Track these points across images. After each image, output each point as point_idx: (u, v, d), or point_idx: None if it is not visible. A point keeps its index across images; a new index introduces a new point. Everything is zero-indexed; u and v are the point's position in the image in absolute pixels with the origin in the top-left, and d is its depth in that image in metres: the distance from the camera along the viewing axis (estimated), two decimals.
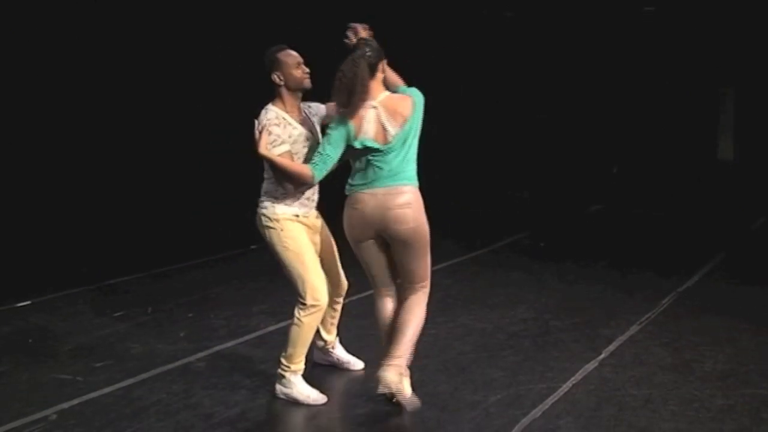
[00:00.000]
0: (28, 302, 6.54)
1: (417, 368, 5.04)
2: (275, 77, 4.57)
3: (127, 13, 9.79)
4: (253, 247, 8.76)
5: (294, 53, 4.61)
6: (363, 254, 4.55)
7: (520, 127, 13.17)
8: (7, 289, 6.84)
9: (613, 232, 10.03)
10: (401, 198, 4.41)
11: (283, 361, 4.65)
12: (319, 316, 4.63)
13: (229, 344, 5.61)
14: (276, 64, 4.56)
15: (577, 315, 6.27)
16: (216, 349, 5.50)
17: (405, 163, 4.43)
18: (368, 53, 4.35)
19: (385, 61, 4.45)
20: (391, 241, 4.49)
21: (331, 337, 5.10)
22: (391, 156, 4.39)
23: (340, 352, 5.16)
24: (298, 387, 4.65)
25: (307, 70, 4.60)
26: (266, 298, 6.74)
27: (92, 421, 4.35)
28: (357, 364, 5.13)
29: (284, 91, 4.59)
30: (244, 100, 9.88)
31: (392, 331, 4.56)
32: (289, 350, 4.63)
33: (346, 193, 4.49)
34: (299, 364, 4.66)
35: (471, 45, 12.55)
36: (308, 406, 4.59)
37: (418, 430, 4.36)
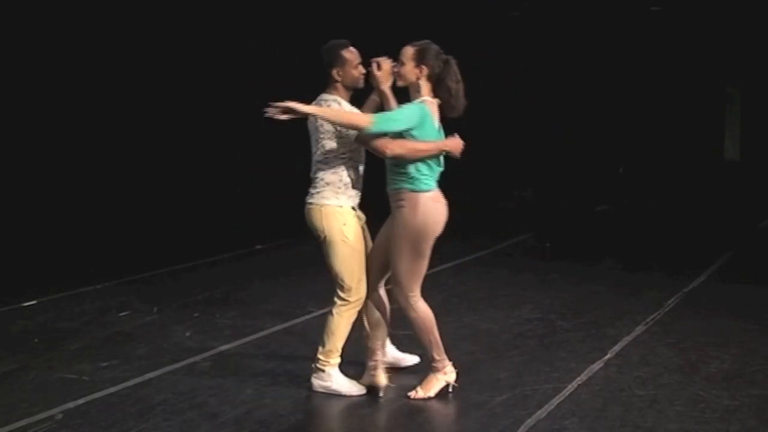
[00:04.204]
0: (34, 302, 6.55)
1: (423, 368, 5.05)
2: (335, 73, 4.63)
3: (127, 12, 9.79)
4: (258, 246, 8.79)
5: (356, 52, 4.67)
6: (430, 248, 4.62)
7: (526, 126, 13.16)
8: (13, 289, 6.85)
9: (619, 232, 10.03)
10: None
11: (322, 356, 4.69)
12: (356, 311, 4.67)
13: (235, 344, 5.61)
14: (339, 60, 4.63)
15: (583, 315, 6.27)
16: (221, 349, 5.50)
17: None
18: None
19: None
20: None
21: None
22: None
23: (391, 351, 5.06)
24: (338, 380, 4.70)
25: (364, 70, 4.66)
26: (272, 298, 6.74)
27: (98, 421, 4.35)
28: (413, 359, 5.08)
29: (340, 87, 4.66)
30: (247, 101, 9.87)
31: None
32: (328, 345, 4.66)
33: (424, 188, 4.49)
34: (337, 358, 4.71)
35: (475, 44, 12.54)
36: (313, 405, 4.58)
37: (423, 429, 4.36)
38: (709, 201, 11.51)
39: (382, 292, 4.73)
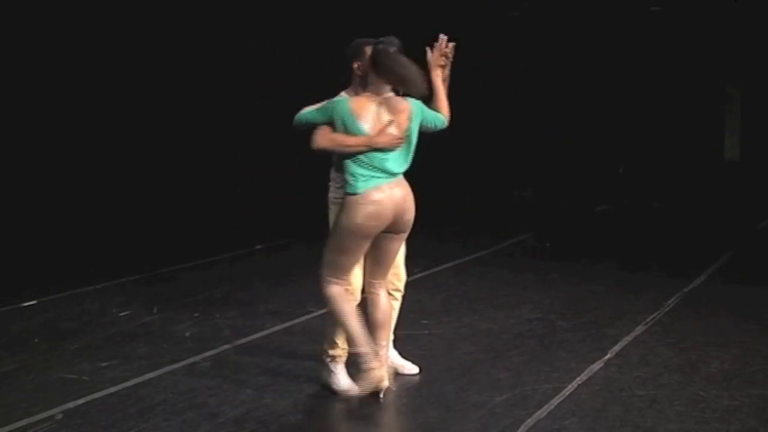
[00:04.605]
0: (34, 302, 6.55)
1: (422, 368, 5.05)
2: (355, 66, 4.64)
3: (127, 12, 9.79)
4: (258, 246, 8.79)
5: None
6: (357, 247, 4.53)
7: (526, 126, 13.16)
8: (13, 289, 6.85)
9: (619, 232, 10.02)
10: (406, 189, 4.56)
11: (325, 346, 4.78)
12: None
13: (235, 344, 5.61)
14: (360, 55, 4.63)
15: (583, 315, 6.27)
16: (221, 349, 5.50)
17: (406, 159, 4.54)
18: (392, 50, 4.51)
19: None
20: (391, 234, 4.55)
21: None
22: (396, 151, 4.48)
23: (394, 356, 5.03)
24: (339, 378, 4.74)
25: None
26: (272, 298, 6.74)
27: (98, 421, 4.35)
28: (412, 368, 5.03)
29: (358, 82, 4.67)
30: (247, 101, 9.85)
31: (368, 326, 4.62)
32: (327, 335, 4.77)
33: (353, 191, 4.44)
34: (338, 351, 4.74)
35: (475, 44, 12.55)
36: (313, 405, 4.58)
37: (423, 430, 4.35)
38: (709, 201, 11.51)
39: (383, 293, 4.71)
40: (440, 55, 4.70)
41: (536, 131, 13.07)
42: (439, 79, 4.70)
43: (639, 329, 5.89)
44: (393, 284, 4.89)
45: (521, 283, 7.27)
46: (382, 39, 4.55)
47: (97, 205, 9.53)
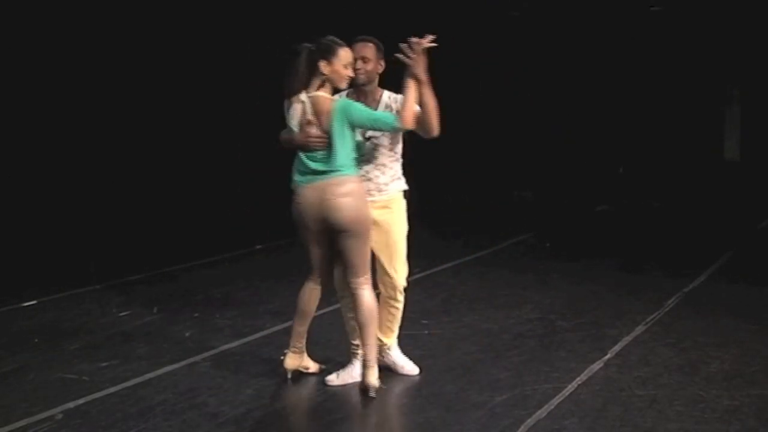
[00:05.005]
0: (34, 302, 6.55)
1: (422, 368, 5.05)
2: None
3: (127, 12, 9.79)
4: (258, 246, 8.79)
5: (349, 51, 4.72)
6: (307, 242, 4.76)
7: (526, 126, 13.17)
8: (13, 289, 6.86)
9: (619, 232, 10.03)
10: (337, 189, 4.55)
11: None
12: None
13: (235, 344, 5.61)
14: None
15: (583, 315, 6.27)
16: (221, 349, 5.50)
17: (334, 157, 4.55)
18: (312, 48, 4.61)
19: (332, 62, 4.56)
20: (337, 232, 4.60)
21: (387, 339, 5.00)
22: (322, 151, 4.57)
23: (395, 355, 5.04)
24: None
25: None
26: (272, 298, 6.75)
27: (98, 421, 4.35)
28: (413, 369, 5.03)
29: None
30: (247, 101, 9.86)
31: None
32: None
33: (292, 185, 4.71)
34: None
35: (476, 44, 12.55)
36: (313, 405, 4.58)
37: (423, 429, 4.35)
38: (709, 201, 11.52)
39: (364, 291, 4.65)
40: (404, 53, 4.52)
41: (536, 131, 13.07)
42: (409, 79, 4.51)
43: (639, 329, 5.89)
44: (387, 292, 4.88)
45: (521, 283, 7.27)
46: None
47: (98, 205, 9.52)
